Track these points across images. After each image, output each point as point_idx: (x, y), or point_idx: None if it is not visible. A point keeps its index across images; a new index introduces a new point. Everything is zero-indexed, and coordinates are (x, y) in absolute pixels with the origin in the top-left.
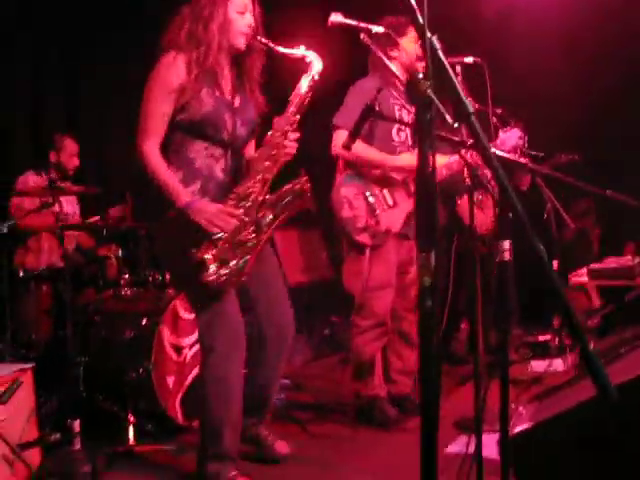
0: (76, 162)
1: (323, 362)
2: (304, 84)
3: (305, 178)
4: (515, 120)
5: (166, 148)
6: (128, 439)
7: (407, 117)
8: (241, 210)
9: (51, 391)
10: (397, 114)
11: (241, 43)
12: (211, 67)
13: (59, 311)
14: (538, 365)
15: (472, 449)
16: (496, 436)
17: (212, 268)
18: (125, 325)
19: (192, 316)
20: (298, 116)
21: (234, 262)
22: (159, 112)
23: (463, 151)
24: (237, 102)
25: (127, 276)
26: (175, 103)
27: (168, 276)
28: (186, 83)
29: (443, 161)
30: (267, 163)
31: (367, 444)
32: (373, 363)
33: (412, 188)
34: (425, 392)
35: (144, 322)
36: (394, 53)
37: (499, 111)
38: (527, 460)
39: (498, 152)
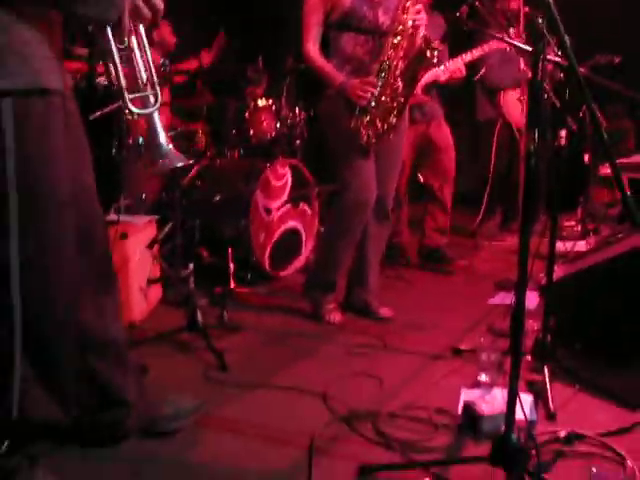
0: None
1: None
2: None
3: (430, 45)
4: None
5: (327, 45)
6: (229, 283)
7: None
8: (378, 81)
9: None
10: None
11: None
12: None
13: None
14: (564, 245)
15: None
16: (533, 293)
17: (363, 132)
18: (225, 189)
19: (280, 183)
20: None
21: (379, 125)
22: (313, 22)
23: None
24: None
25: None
26: (324, 11)
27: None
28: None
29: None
30: (397, 38)
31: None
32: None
33: None
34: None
35: (242, 186)
36: None
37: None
38: (564, 303)
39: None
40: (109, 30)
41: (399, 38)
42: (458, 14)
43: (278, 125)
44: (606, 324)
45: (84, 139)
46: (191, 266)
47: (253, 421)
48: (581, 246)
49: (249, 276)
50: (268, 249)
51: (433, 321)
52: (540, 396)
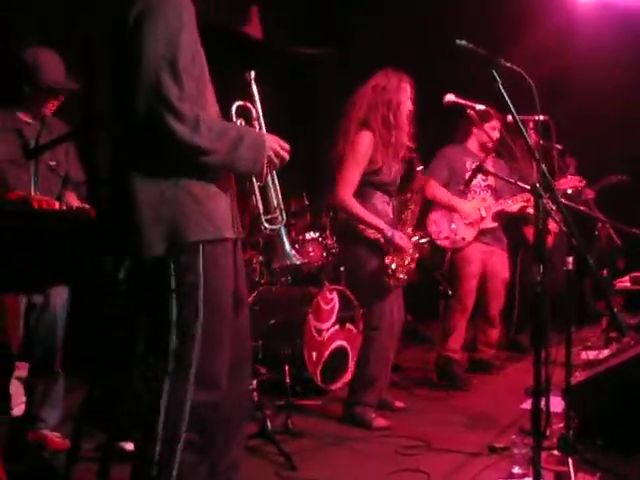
0: None
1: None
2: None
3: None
4: (570, 155)
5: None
6: (287, 395)
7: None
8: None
9: None
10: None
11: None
12: (397, 143)
13: None
14: (589, 354)
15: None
16: (558, 397)
17: (391, 274)
18: (281, 313)
19: (328, 306)
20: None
21: (403, 272)
22: (356, 174)
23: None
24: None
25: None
26: (367, 168)
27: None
28: (377, 158)
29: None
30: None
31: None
32: (454, 331)
33: None
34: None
35: (296, 310)
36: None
37: (559, 147)
38: (585, 404)
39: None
40: (254, 176)
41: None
42: (479, 164)
43: (324, 254)
44: (623, 421)
45: (243, 270)
46: (255, 382)
47: None
48: (605, 354)
49: (303, 390)
50: (320, 365)
51: (473, 423)
52: None
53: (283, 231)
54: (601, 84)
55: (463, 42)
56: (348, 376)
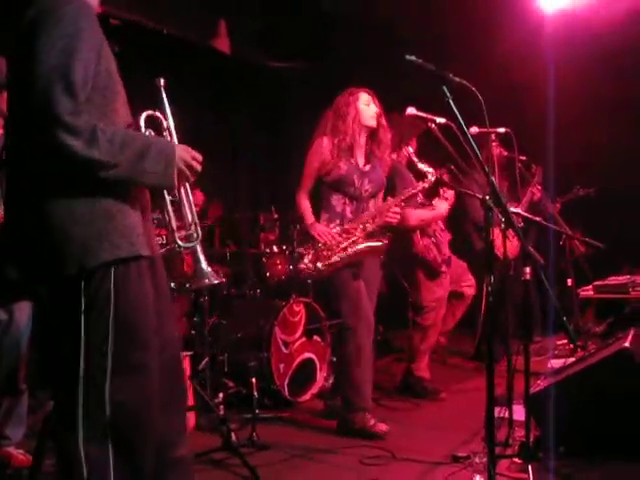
0: None
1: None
2: (419, 185)
3: (385, 243)
4: (535, 165)
5: (318, 198)
6: (254, 409)
7: None
8: (339, 237)
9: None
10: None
11: (372, 124)
12: (348, 145)
13: (196, 315)
14: (556, 362)
15: (505, 414)
16: (519, 406)
17: (306, 261)
18: (248, 326)
19: (295, 319)
20: (404, 204)
21: (320, 264)
22: (308, 174)
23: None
24: (367, 167)
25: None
26: (320, 168)
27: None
28: (329, 159)
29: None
30: (372, 219)
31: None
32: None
33: None
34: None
35: (262, 323)
36: None
37: (523, 158)
38: (546, 411)
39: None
40: (165, 190)
41: (372, 220)
42: (438, 176)
43: (291, 267)
44: (585, 427)
45: (167, 290)
46: (221, 395)
47: None
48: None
49: (270, 402)
50: (287, 378)
51: (438, 433)
52: None
53: (199, 249)
54: (566, 94)
55: (412, 57)
56: (316, 388)
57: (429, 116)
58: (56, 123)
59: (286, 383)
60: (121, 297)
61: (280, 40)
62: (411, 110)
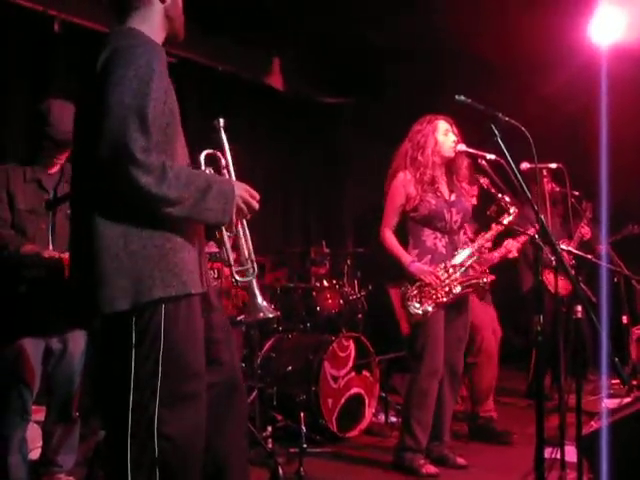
0: None
1: None
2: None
3: (490, 278)
4: (587, 200)
5: (407, 234)
6: (302, 443)
7: None
8: (444, 276)
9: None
10: None
11: (451, 154)
12: (430, 178)
13: (246, 348)
14: (611, 402)
15: (557, 455)
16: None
17: (417, 305)
18: (297, 360)
19: (345, 354)
20: (489, 244)
21: (427, 305)
22: (394, 210)
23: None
24: (453, 197)
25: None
26: (405, 206)
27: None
28: (414, 194)
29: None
30: (473, 258)
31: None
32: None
33: None
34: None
35: (311, 357)
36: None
37: (576, 193)
38: (597, 454)
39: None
40: (223, 227)
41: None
42: (488, 212)
43: (341, 302)
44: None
45: (223, 320)
46: (269, 428)
47: None
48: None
49: (318, 437)
50: (335, 413)
51: (486, 475)
52: None
53: (254, 284)
54: (620, 128)
55: (462, 97)
56: (365, 424)
57: (479, 152)
58: (130, 160)
59: (334, 418)
60: (171, 332)
61: (332, 75)
62: (461, 147)
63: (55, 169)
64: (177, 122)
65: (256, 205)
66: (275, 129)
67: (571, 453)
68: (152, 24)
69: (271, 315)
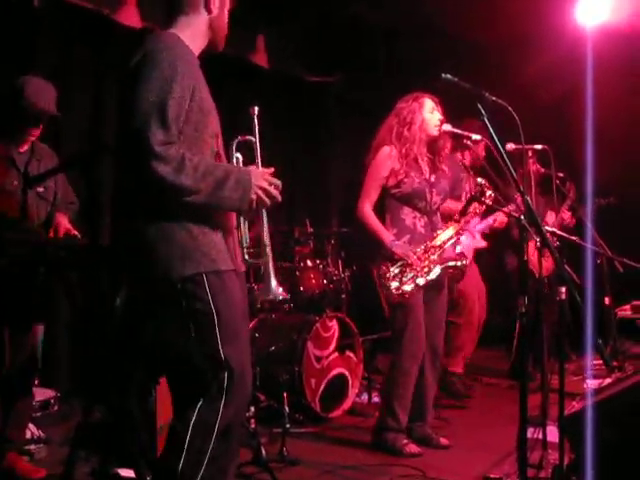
0: None
1: None
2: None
3: (466, 261)
4: (570, 181)
5: (384, 211)
6: (285, 423)
7: None
8: (422, 254)
9: None
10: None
11: (435, 133)
12: (415, 155)
13: None
14: (593, 383)
15: (539, 435)
16: (555, 427)
17: (395, 285)
18: (280, 340)
19: (328, 334)
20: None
21: (406, 285)
22: (374, 186)
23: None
24: (433, 178)
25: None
26: (387, 180)
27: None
28: (398, 168)
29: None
30: (453, 239)
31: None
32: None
33: None
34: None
35: (295, 337)
36: None
37: (561, 175)
38: (579, 434)
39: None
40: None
41: (448, 238)
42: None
43: (325, 282)
44: (619, 452)
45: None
46: (252, 409)
47: None
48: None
49: (301, 417)
50: (319, 393)
51: (470, 452)
52: None
53: (270, 267)
54: (606, 109)
55: (448, 76)
56: (348, 404)
57: (464, 133)
58: (150, 151)
59: (317, 398)
60: (217, 297)
61: (317, 54)
62: (447, 127)
63: (26, 147)
64: (206, 116)
65: (276, 193)
66: (260, 107)
67: (553, 433)
68: (195, 31)
69: (280, 298)
